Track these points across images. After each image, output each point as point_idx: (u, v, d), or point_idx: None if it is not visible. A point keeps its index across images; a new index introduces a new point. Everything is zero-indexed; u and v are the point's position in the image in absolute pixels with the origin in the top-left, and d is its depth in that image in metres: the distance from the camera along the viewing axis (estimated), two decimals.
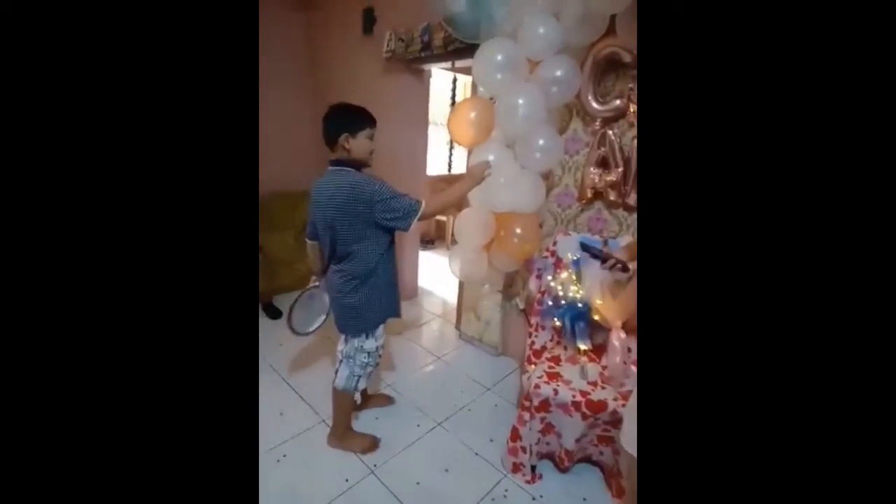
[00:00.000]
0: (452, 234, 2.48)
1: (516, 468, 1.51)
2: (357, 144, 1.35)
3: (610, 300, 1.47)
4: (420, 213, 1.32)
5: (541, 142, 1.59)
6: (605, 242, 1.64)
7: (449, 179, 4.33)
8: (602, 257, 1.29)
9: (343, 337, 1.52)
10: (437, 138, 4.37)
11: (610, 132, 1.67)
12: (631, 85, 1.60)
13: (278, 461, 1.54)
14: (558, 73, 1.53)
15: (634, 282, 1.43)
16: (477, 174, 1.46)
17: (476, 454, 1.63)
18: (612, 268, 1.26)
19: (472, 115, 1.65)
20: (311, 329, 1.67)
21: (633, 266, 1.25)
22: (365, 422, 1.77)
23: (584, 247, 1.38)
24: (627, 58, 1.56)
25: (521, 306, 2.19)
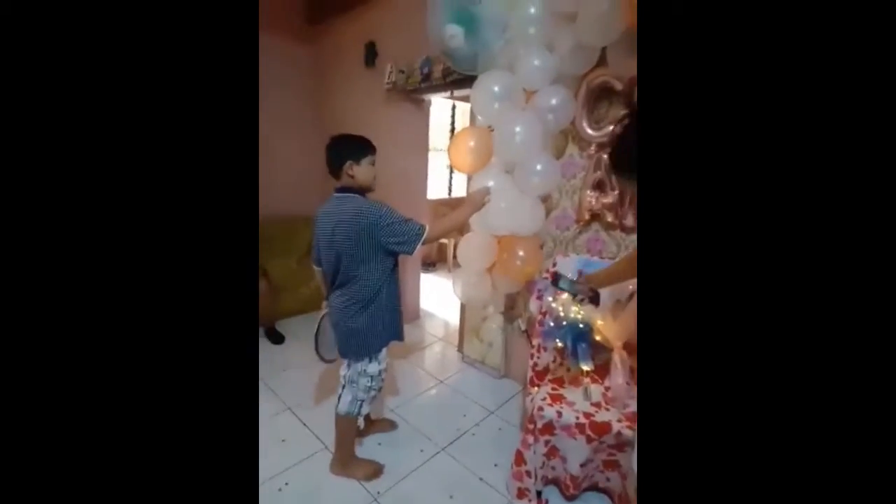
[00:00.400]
0: (455, 258, 2.50)
1: (521, 494, 1.49)
2: (361, 171, 1.40)
3: (610, 320, 1.48)
4: (424, 238, 1.35)
5: (538, 167, 1.64)
6: (580, 273, 1.60)
7: (450, 203, 4.39)
8: (571, 292, 1.30)
9: (346, 362, 1.53)
10: (437, 163, 4.46)
11: (605, 156, 1.72)
12: (623, 111, 1.66)
13: (280, 490, 1.51)
14: (553, 101, 1.60)
15: (634, 302, 1.46)
16: (477, 200, 1.50)
17: (480, 479, 1.61)
18: (581, 302, 1.28)
19: (472, 143, 1.71)
20: (336, 354, 1.65)
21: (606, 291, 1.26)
22: (368, 448, 1.75)
23: (555, 281, 1.35)
24: (619, 86, 1.63)
25: (524, 328, 2.20)
